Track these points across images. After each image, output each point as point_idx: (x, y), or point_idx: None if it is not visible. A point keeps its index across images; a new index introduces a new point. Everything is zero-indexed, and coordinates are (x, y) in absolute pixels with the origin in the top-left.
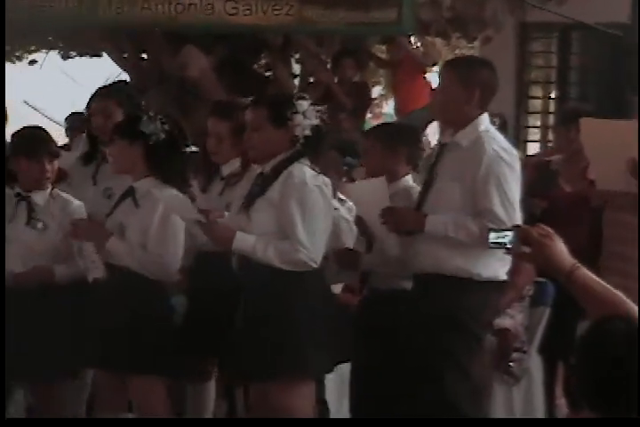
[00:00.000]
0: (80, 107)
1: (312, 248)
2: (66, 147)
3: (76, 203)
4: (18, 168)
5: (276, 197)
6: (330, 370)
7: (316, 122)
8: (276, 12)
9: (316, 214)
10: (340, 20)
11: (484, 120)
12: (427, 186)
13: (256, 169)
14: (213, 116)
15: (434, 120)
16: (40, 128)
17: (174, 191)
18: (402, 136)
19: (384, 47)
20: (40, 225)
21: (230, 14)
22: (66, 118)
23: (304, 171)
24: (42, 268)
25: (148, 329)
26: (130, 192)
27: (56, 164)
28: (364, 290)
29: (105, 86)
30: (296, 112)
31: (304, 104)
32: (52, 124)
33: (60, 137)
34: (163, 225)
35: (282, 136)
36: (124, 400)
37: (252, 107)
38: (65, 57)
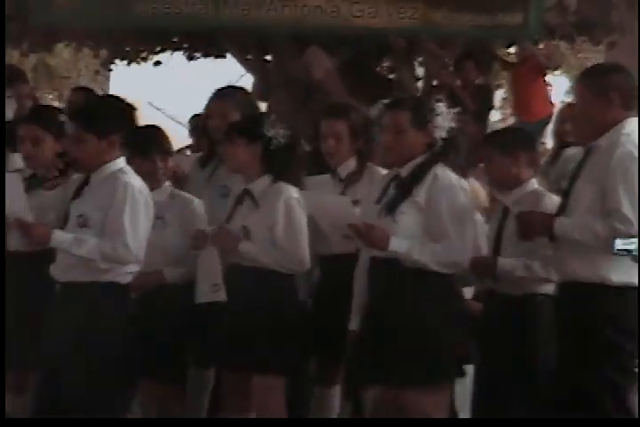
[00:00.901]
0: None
1: (465, 249)
2: (190, 148)
3: (196, 201)
4: (133, 167)
5: (423, 200)
6: (462, 374)
7: (452, 124)
8: (401, 15)
9: (463, 216)
10: (466, 23)
11: (630, 124)
12: (567, 190)
13: (372, 167)
14: (330, 117)
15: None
16: (153, 126)
17: (295, 188)
18: (519, 141)
19: (507, 50)
20: (160, 223)
21: (356, 17)
22: (189, 119)
23: (448, 173)
24: (154, 272)
25: (278, 328)
26: (246, 194)
27: (170, 162)
28: (493, 295)
29: (223, 88)
30: (436, 114)
31: (442, 106)
32: (176, 124)
33: (184, 138)
34: (289, 220)
35: (421, 139)
36: (248, 401)
37: (392, 109)
38: (190, 58)
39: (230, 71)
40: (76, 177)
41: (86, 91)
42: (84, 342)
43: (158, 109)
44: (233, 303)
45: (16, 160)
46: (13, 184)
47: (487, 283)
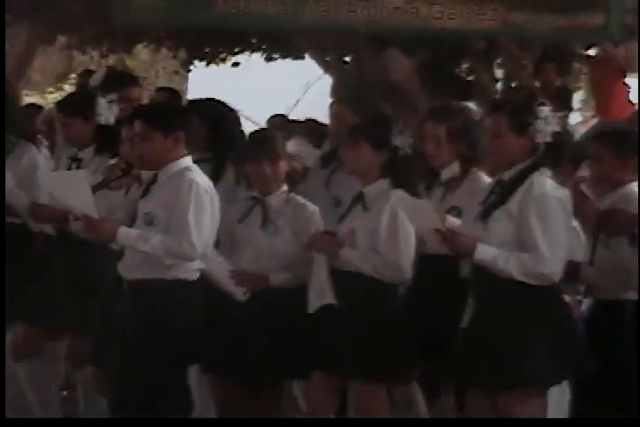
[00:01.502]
0: (281, 109)
1: (554, 261)
2: None
3: (311, 208)
4: (246, 171)
5: (516, 209)
6: (558, 382)
7: (557, 129)
8: (480, 17)
9: (557, 227)
10: (546, 24)
11: None
12: None
13: (475, 173)
14: (430, 119)
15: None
16: (264, 130)
17: (407, 195)
18: (633, 145)
19: (587, 52)
20: (272, 228)
21: (435, 18)
22: (267, 120)
23: (545, 181)
24: (259, 276)
25: (377, 334)
26: (359, 198)
27: (283, 166)
28: (587, 302)
29: (343, 92)
30: (537, 118)
31: (545, 110)
32: (253, 125)
33: None
34: (392, 226)
35: (522, 143)
36: (335, 404)
37: (492, 113)
38: (268, 59)
39: (308, 72)
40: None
41: (169, 91)
42: (152, 340)
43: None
44: (334, 307)
45: None
46: (80, 181)
47: (571, 289)
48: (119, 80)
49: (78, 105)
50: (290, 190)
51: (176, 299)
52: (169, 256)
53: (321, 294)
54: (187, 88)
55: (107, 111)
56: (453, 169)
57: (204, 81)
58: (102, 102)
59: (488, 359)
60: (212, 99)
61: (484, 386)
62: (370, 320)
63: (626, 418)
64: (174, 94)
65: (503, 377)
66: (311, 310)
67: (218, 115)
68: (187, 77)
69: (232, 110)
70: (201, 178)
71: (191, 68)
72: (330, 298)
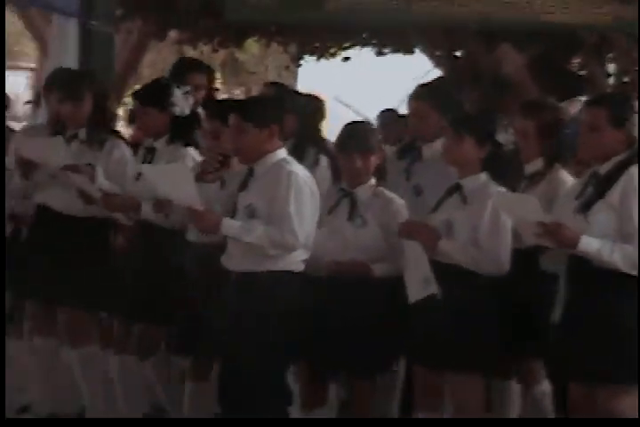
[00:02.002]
0: (391, 103)
1: None
2: None
3: (399, 202)
4: (340, 164)
5: (617, 201)
6: None
7: None
8: (593, 11)
9: None
10: None
11: None
12: None
13: (557, 171)
14: (520, 113)
15: None
16: (358, 123)
17: (505, 190)
18: None
19: None
20: (359, 221)
21: (547, 12)
22: (378, 115)
23: None
24: (361, 263)
25: (474, 326)
26: (456, 188)
27: (374, 160)
28: None
29: (423, 86)
30: (635, 112)
31: None
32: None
33: None
34: (494, 221)
35: (619, 137)
36: (441, 400)
37: (590, 107)
38: (378, 54)
39: (418, 67)
40: (241, 169)
41: (278, 85)
42: (261, 331)
43: (345, 105)
44: (429, 300)
45: (191, 154)
46: (183, 174)
47: None
48: (184, 67)
49: (153, 95)
50: (377, 184)
51: (283, 291)
52: (272, 247)
53: (425, 284)
54: (296, 83)
55: (182, 102)
56: (537, 165)
57: (313, 75)
58: (178, 93)
59: (588, 353)
60: (296, 91)
61: (584, 379)
62: (465, 312)
63: (626, 418)
64: (283, 89)
65: (603, 371)
66: (412, 300)
67: (300, 107)
68: (296, 72)
69: (317, 102)
70: (298, 168)
71: (301, 62)
72: (434, 288)
